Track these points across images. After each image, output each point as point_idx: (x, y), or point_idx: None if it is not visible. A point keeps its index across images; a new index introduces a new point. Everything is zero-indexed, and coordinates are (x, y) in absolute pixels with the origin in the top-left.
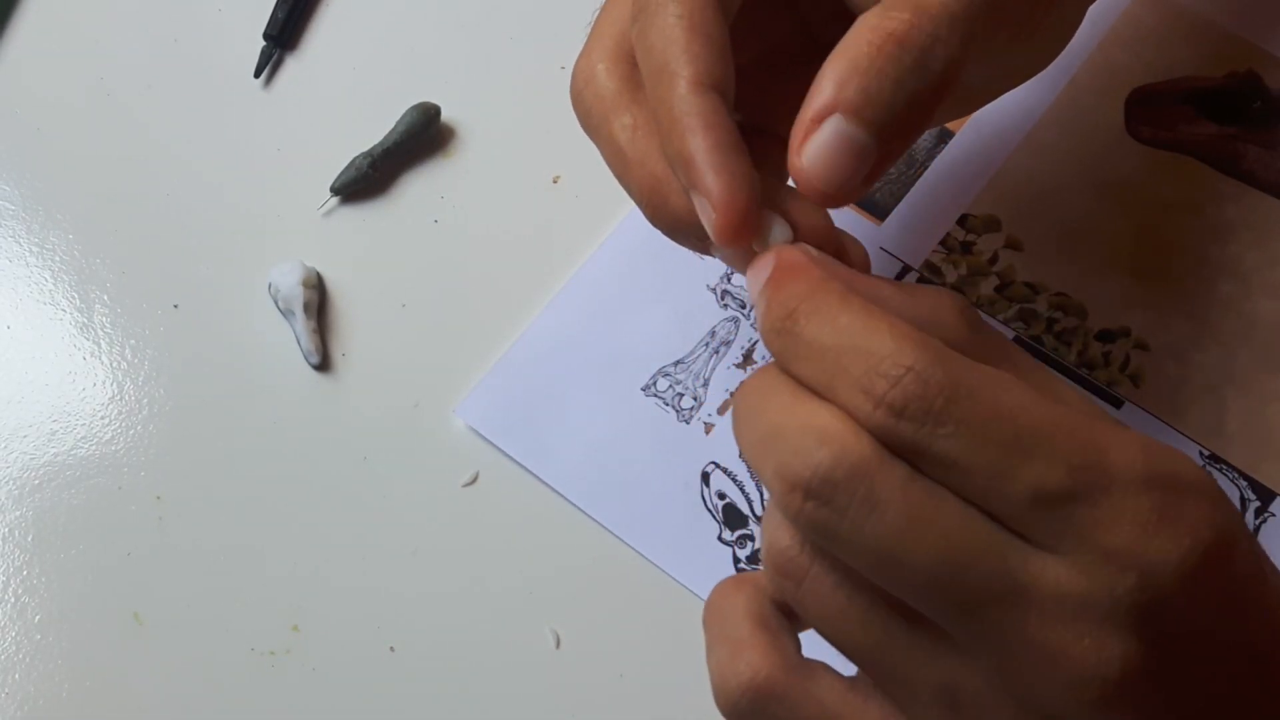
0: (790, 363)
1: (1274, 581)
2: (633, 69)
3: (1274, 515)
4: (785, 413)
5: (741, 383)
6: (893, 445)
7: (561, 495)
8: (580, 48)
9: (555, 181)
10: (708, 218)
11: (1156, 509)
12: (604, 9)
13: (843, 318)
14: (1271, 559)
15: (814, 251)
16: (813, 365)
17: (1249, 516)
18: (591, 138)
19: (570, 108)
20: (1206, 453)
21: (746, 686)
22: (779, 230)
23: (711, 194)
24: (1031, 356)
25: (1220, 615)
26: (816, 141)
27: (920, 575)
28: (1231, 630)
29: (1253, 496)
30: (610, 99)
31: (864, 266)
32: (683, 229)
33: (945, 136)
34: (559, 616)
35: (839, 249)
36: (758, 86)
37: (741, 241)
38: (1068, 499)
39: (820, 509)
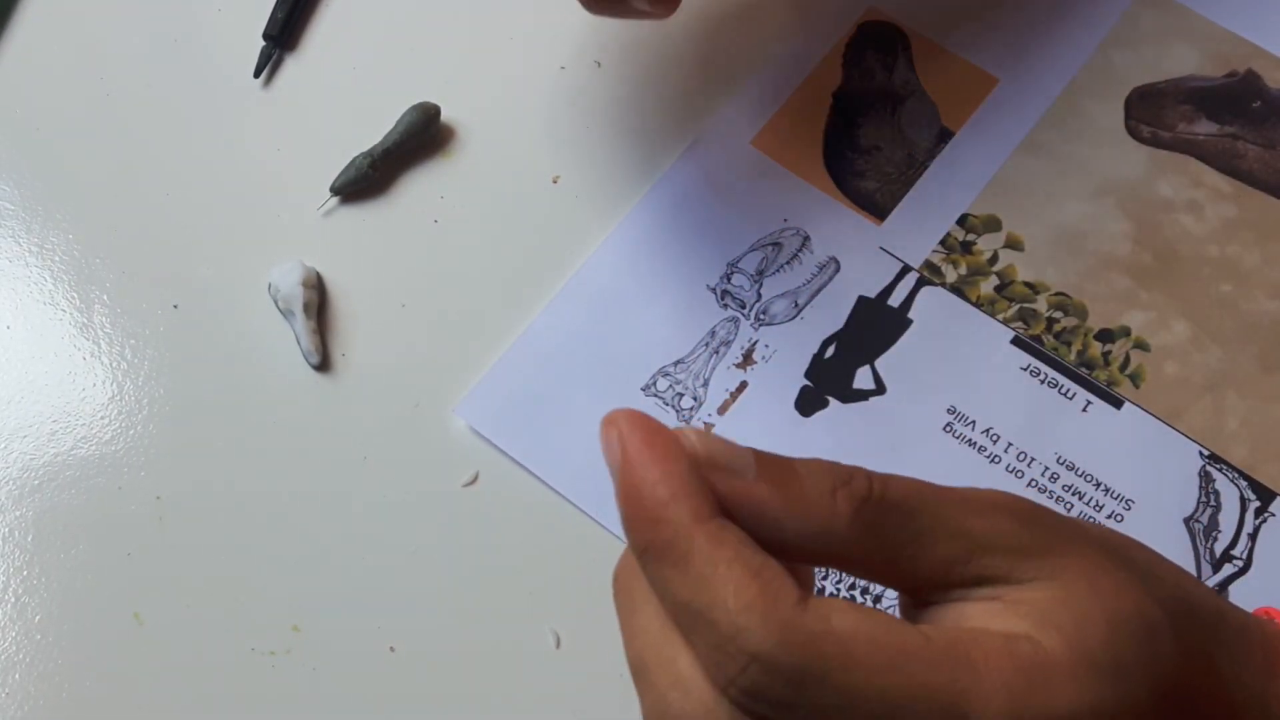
0: (656, 591)
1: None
2: None
3: (1274, 515)
4: (653, 642)
5: (617, 568)
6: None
7: (561, 494)
8: (578, 45)
9: (555, 181)
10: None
11: None
12: None
13: (691, 569)
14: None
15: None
16: (672, 608)
17: (1249, 517)
18: None
19: (570, 107)
20: (1206, 453)
21: None
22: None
23: None
24: (939, 492)
25: None
26: None
27: None
28: None
29: (1253, 497)
30: None
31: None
32: None
33: (945, 136)
34: (559, 616)
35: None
36: None
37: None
38: None
39: None
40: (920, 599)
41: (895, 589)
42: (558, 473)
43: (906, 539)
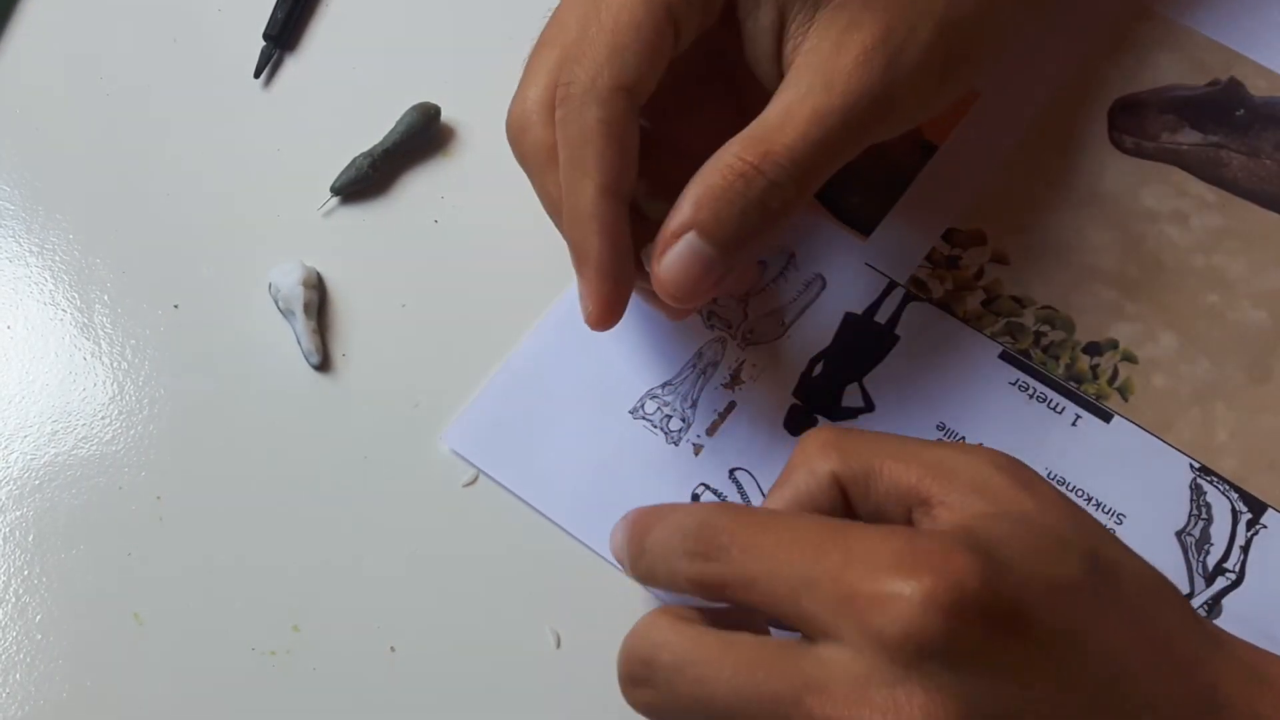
0: None
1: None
2: None
3: (1265, 527)
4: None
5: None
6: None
7: (552, 520)
8: None
9: None
10: (584, 305)
11: (896, 562)
12: (537, 47)
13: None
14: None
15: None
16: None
17: (1240, 529)
18: (528, 177)
19: None
20: (1196, 465)
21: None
22: None
23: (593, 293)
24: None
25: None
26: (673, 253)
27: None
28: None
29: (1244, 509)
30: (545, 154)
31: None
32: None
33: (929, 150)
34: (559, 616)
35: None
36: (672, 102)
37: (604, 329)
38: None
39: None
40: None
41: None
42: (547, 498)
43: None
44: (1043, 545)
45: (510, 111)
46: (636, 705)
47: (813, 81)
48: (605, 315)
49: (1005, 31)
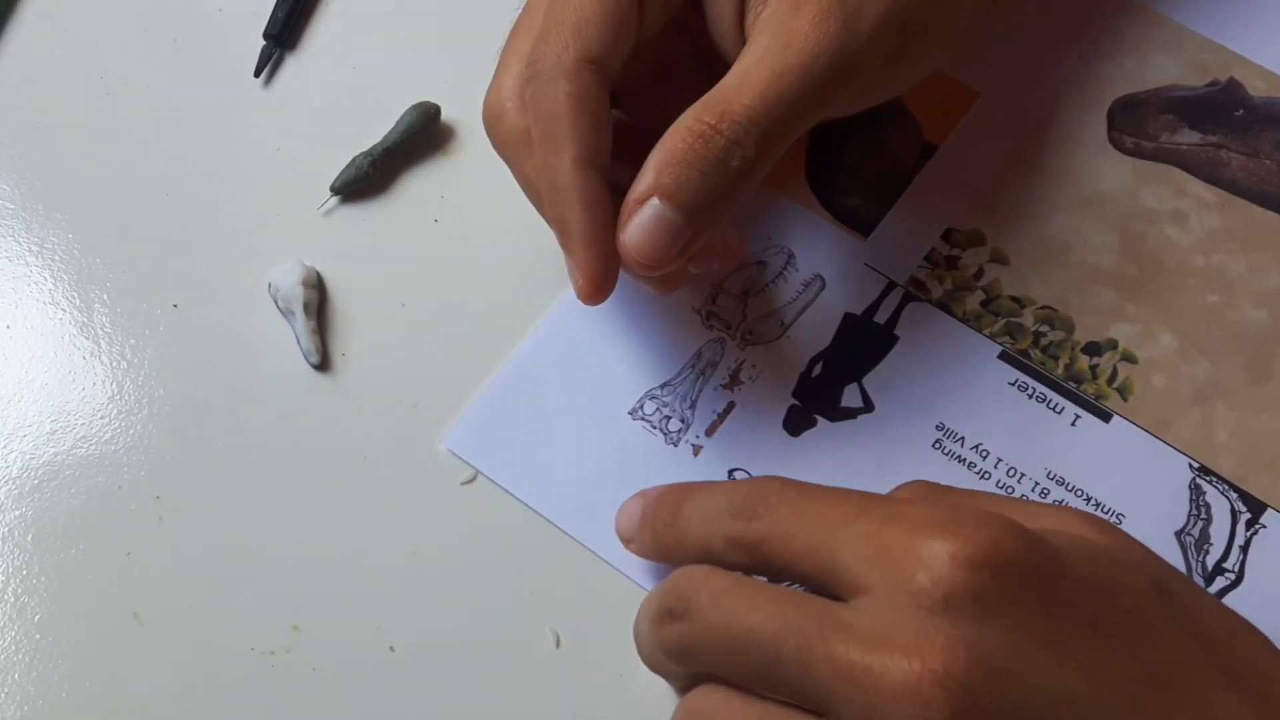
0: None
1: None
2: None
3: (1265, 527)
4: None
5: None
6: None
7: (552, 523)
8: None
9: None
10: (574, 279)
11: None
12: (510, 37)
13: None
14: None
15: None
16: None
17: (1240, 529)
18: (507, 164)
19: None
20: (1196, 465)
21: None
22: None
23: (580, 264)
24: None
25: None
26: (638, 219)
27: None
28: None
29: (1243, 509)
30: (520, 139)
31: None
32: None
33: (928, 151)
34: (559, 616)
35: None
36: (653, 96)
37: (596, 302)
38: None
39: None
40: None
41: None
42: (546, 499)
43: None
44: (1109, 557)
45: (486, 101)
46: (664, 641)
47: (770, 43)
48: (596, 288)
49: (968, 10)
